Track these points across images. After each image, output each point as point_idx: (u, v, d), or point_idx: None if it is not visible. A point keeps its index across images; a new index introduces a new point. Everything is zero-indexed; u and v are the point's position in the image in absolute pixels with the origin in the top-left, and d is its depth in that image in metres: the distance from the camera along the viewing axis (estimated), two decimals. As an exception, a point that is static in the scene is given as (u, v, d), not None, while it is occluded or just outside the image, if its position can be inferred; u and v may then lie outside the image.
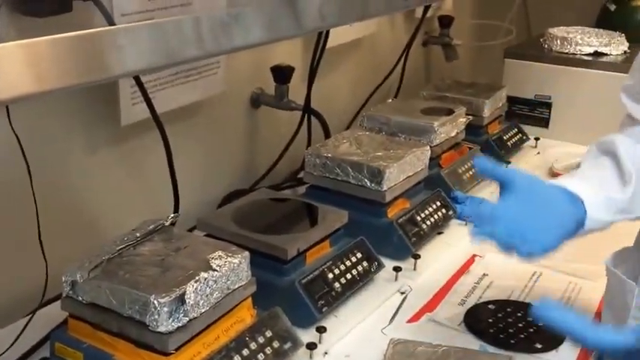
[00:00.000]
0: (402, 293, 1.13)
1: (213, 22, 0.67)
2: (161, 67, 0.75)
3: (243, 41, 0.71)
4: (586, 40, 1.82)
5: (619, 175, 0.94)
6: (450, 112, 1.51)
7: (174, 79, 1.18)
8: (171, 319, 0.77)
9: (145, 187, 1.21)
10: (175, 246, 0.90)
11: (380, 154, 1.26)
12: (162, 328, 0.77)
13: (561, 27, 1.91)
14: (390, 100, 1.66)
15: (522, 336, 1.02)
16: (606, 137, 0.98)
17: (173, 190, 1.12)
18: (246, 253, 0.88)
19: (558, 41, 1.84)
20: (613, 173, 0.94)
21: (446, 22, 1.97)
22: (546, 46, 1.88)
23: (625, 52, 1.81)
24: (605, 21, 2.00)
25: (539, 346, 1.00)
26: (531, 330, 1.03)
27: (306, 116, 1.45)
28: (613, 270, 0.99)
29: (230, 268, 0.85)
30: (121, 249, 0.87)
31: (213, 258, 0.84)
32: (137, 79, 1.03)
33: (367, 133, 1.40)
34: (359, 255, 1.11)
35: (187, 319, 0.79)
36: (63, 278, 0.84)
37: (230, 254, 0.87)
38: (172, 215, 0.96)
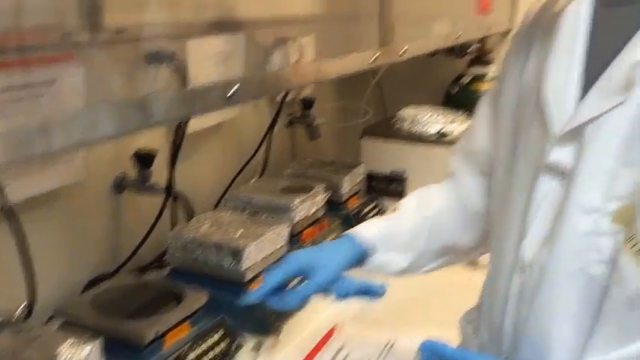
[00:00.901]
0: (263, 369, 1.17)
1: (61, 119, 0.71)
2: (6, 163, 0.77)
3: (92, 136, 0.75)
4: (433, 119, 2.00)
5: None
6: (309, 189, 1.60)
7: (30, 167, 1.18)
8: (14, 415, 0.76)
9: (1, 279, 1.18)
10: (25, 338, 0.89)
11: (240, 233, 1.31)
12: None
13: (411, 107, 2.09)
14: (254, 180, 1.73)
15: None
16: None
17: (28, 280, 1.10)
18: (97, 342, 0.89)
19: (408, 121, 2.01)
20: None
21: (308, 103, 2.09)
22: (398, 125, 2.05)
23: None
24: (449, 101, 2.22)
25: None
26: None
27: (169, 199, 1.48)
28: (463, 326, 1.04)
29: (79, 358, 0.85)
30: (-36, 346, 0.85)
31: (62, 349, 0.84)
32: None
33: (229, 213, 1.45)
34: (220, 334, 1.14)
35: (32, 413, 0.78)
36: None
37: (82, 343, 0.88)
38: (22, 306, 0.95)
